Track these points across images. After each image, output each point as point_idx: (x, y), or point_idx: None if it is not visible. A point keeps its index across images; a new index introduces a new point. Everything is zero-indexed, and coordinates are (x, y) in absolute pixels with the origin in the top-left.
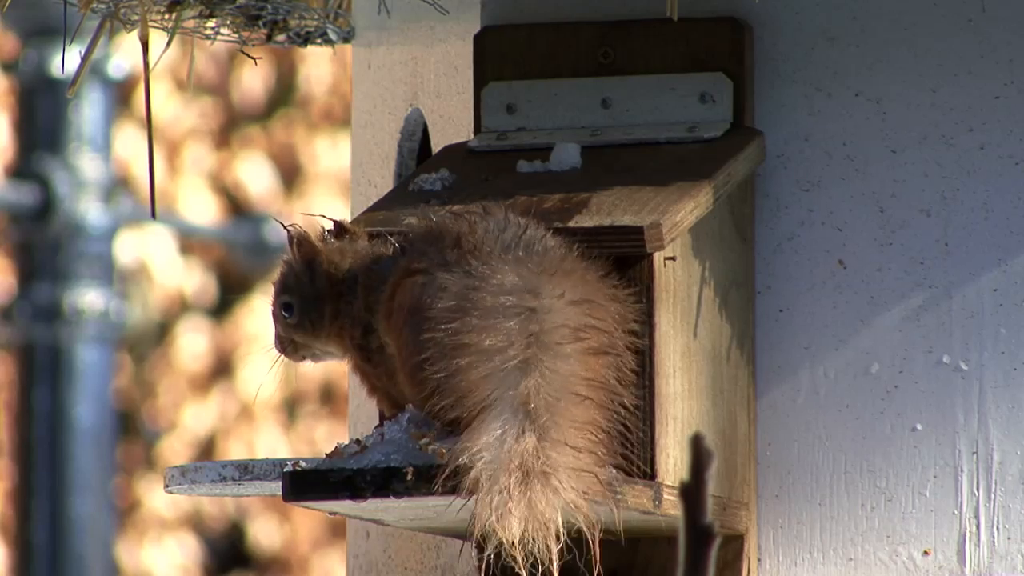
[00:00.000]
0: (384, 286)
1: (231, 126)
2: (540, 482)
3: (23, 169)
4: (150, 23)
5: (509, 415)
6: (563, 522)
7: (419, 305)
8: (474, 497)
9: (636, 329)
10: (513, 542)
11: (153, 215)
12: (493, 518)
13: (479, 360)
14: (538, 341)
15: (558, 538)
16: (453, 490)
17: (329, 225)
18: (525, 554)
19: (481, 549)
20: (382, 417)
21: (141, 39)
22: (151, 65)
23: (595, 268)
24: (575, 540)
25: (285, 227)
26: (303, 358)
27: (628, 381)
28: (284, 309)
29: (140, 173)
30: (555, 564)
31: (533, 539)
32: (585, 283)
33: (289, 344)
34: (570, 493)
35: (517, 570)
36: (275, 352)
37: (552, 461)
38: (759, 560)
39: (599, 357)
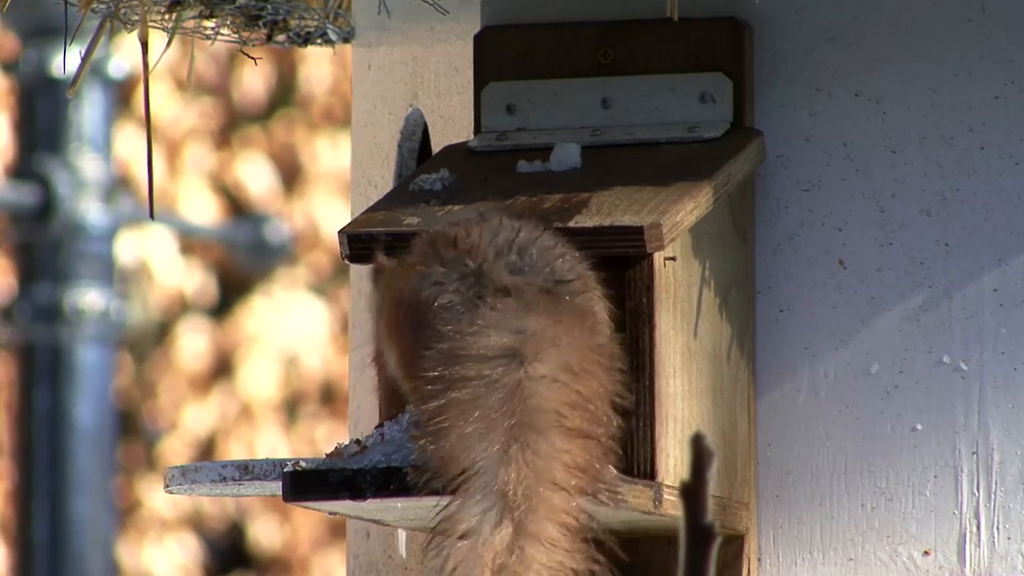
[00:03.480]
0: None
1: (231, 126)
2: None
3: (23, 169)
4: (150, 23)
5: (487, 500)
6: None
7: (418, 300)
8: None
9: (622, 392)
10: None
11: (151, 215)
12: None
13: (461, 434)
14: (520, 422)
15: None
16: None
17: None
18: None
19: None
20: (382, 417)
21: (141, 39)
22: (151, 65)
23: (588, 304)
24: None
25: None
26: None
27: (610, 459)
28: None
29: (140, 173)
30: None
31: None
32: (573, 340)
33: None
34: None
35: None
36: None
37: (527, 558)
38: (759, 560)
39: (581, 440)
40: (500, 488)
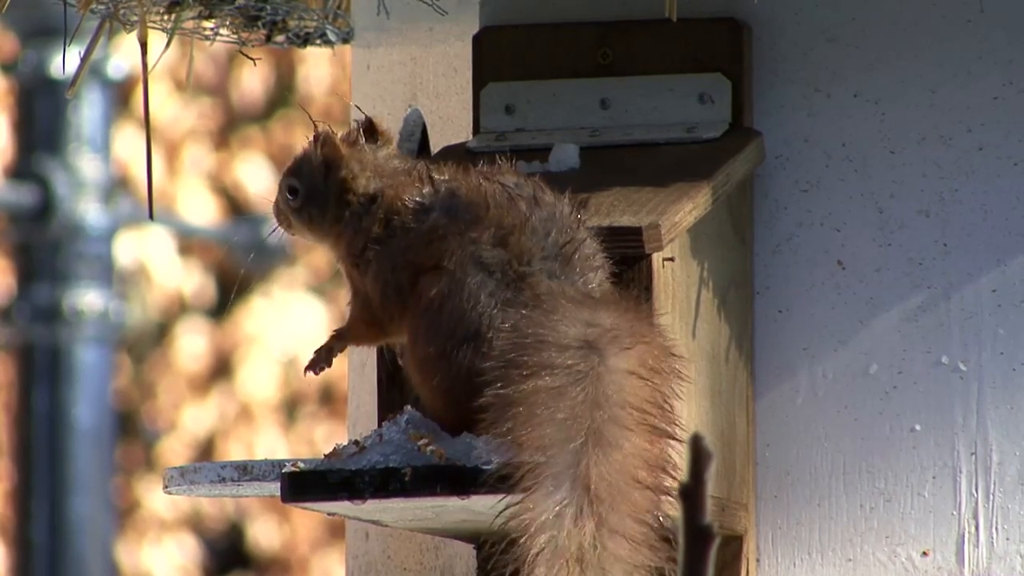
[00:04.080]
0: (415, 225)
1: (230, 127)
2: (595, 574)
3: (22, 170)
4: (149, 24)
5: (568, 491)
6: None
7: (440, 305)
8: (526, 573)
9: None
10: None
11: (151, 216)
12: None
13: (540, 419)
14: (607, 416)
15: None
16: (496, 489)
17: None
18: None
19: (481, 550)
20: (380, 417)
21: (140, 40)
22: (150, 66)
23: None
24: None
25: (314, 121)
26: (292, 234)
27: (678, 461)
28: (289, 191)
29: (139, 174)
30: None
31: None
32: (647, 338)
33: (283, 219)
34: None
35: None
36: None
37: (609, 555)
38: (758, 561)
39: (663, 440)
40: (583, 481)
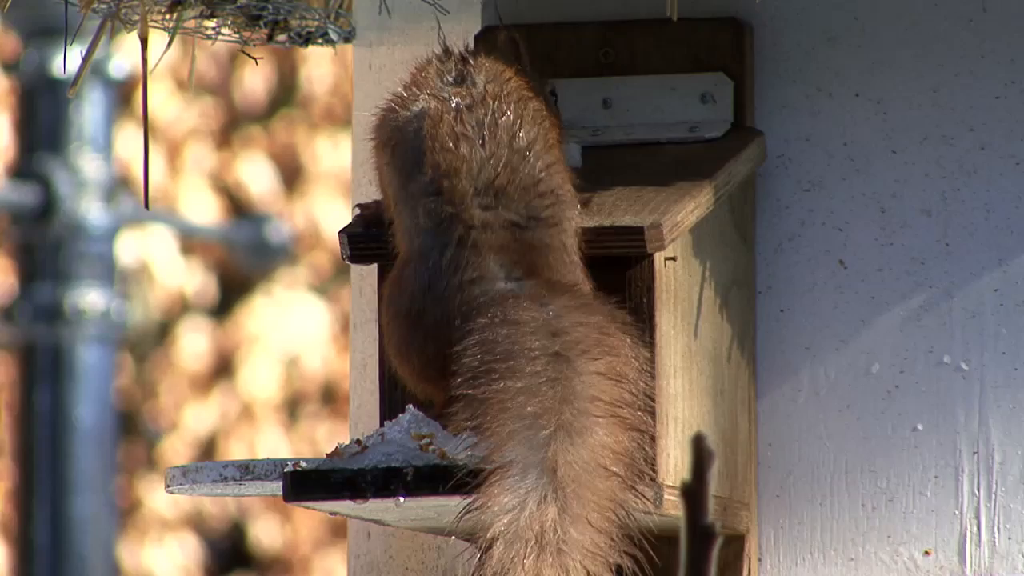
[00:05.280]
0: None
1: (232, 126)
2: (553, 558)
3: (24, 169)
4: (151, 23)
5: (534, 477)
6: None
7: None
8: (484, 555)
9: (652, 395)
10: None
11: (146, 205)
12: None
13: (508, 414)
14: (571, 406)
15: None
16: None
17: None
18: None
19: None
20: (382, 417)
21: (140, 36)
22: (151, 65)
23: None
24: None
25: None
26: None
27: (649, 457)
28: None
29: (141, 173)
30: None
31: None
32: (614, 345)
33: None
34: (580, 574)
35: None
36: None
37: (570, 539)
38: (760, 560)
39: (633, 432)
40: (549, 466)
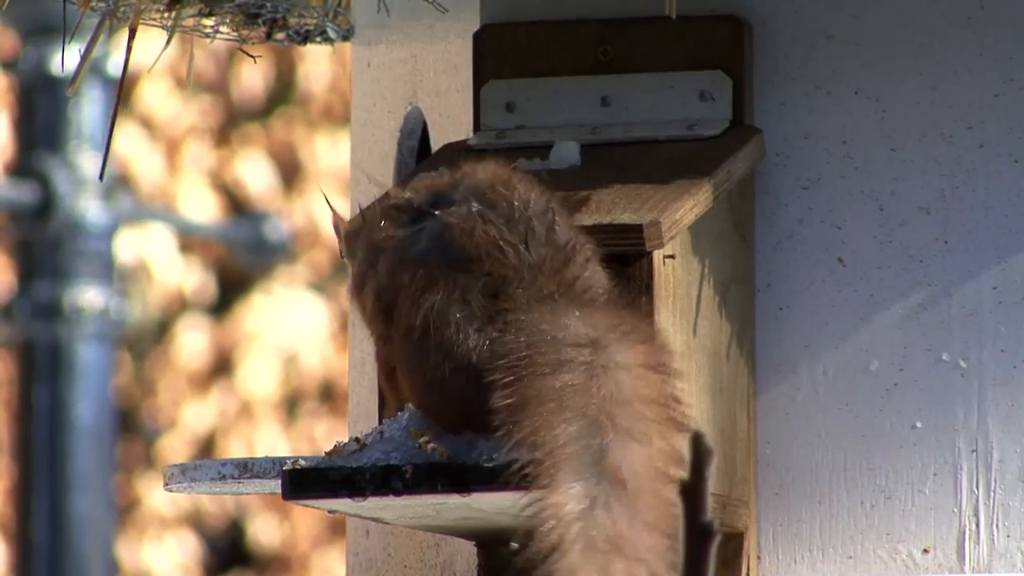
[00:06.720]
0: (400, 252)
1: (231, 124)
2: (628, 565)
3: (23, 167)
4: (150, 21)
5: (595, 483)
6: None
7: (424, 334)
8: (558, 562)
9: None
10: None
11: (101, 178)
12: None
13: (555, 421)
14: (625, 412)
15: None
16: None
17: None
18: None
19: (481, 547)
20: (381, 414)
21: (131, 27)
22: (151, 64)
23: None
24: None
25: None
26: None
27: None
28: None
29: (140, 171)
30: None
31: None
32: (646, 337)
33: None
34: None
35: None
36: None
37: (644, 546)
38: (759, 558)
39: (680, 434)
40: (614, 475)
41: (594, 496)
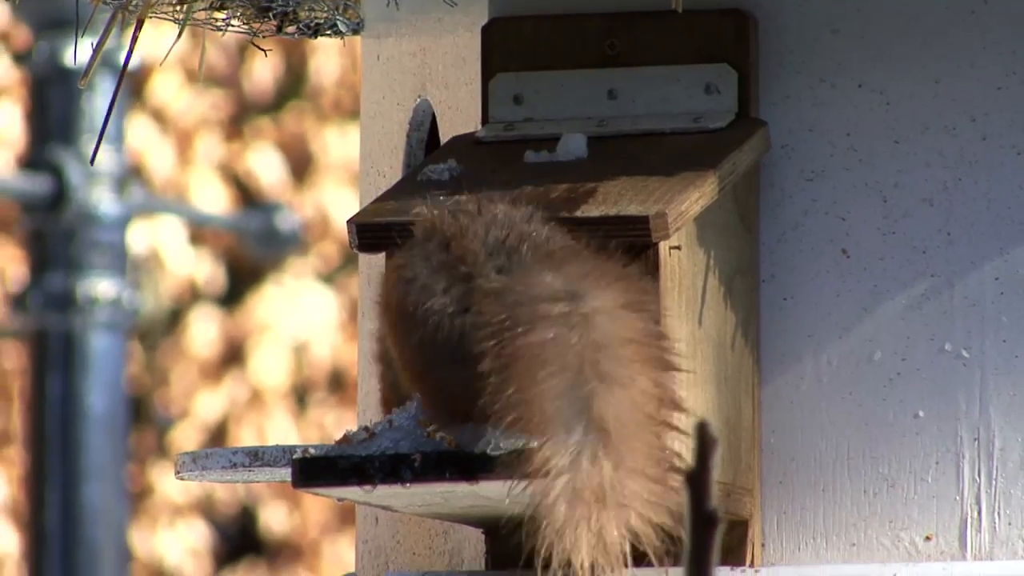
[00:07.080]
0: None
1: (242, 117)
2: (615, 513)
3: (36, 159)
4: (161, 15)
5: (581, 434)
6: (630, 549)
7: (404, 305)
8: (545, 518)
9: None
10: (581, 567)
11: (92, 162)
12: (566, 545)
13: (540, 377)
14: (606, 356)
15: (625, 564)
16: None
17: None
18: None
19: (489, 534)
20: (388, 403)
21: (139, 19)
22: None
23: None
24: None
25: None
26: None
27: (681, 395)
28: None
29: (153, 163)
30: None
31: (601, 566)
32: (619, 281)
33: None
34: (644, 526)
35: None
36: None
37: (629, 492)
38: (763, 545)
39: (668, 372)
40: (598, 424)
41: (580, 449)
